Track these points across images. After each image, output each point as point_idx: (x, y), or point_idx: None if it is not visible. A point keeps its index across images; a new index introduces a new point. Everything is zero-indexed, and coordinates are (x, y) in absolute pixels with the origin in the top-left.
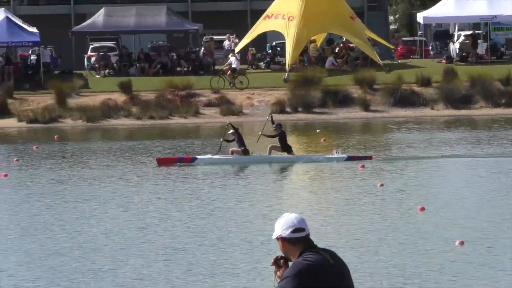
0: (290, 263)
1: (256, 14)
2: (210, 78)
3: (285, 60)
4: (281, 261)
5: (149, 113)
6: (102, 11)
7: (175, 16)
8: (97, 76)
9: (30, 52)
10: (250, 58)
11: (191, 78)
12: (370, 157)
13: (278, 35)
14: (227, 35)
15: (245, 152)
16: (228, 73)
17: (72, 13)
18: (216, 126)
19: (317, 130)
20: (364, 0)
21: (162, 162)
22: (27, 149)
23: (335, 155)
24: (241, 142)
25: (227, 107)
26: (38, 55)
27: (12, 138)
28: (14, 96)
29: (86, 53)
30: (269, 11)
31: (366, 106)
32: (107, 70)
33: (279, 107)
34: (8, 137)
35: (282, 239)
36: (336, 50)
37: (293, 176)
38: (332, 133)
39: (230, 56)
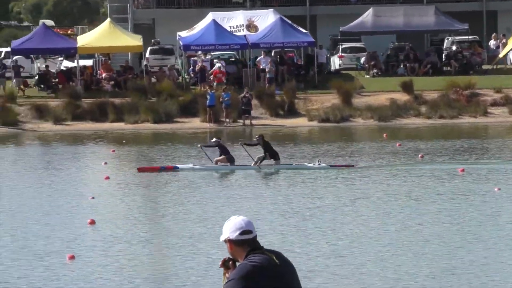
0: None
1: (491, 15)
2: None
3: None
4: (230, 262)
5: (439, 113)
6: (370, 11)
7: (443, 16)
8: (367, 76)
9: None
10: None
11: (472, 78)
12: (352, 166)
13: None
14: (493, 35)
15: (230, 159)
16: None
17: (307, 14)
18: (505, 125)
19: None
20: None
21: (143, 170)
22: (370, 147)
23: (317, 165)
24: (225, 151)
25: None
26: (307, 55)
27: (313, 137)
28: (297, 95)
29: (337, 53)
30: None
31: None
32: (375, 70)
33: None
34: (307, 136)
35: (230, 241)
36: None
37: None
38: None
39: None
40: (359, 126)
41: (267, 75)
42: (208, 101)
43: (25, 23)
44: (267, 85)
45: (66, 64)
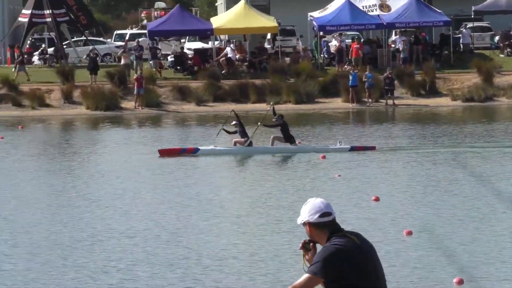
0: (317, 246)
1: None
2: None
3: None
4: (310, 244)
5: None
6: None
7: None
8: (501, 55)
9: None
10: None
11: None
12: (373, 147)
13: None
14: None
15: (249, 143)
16: (223, 62)
17: None
18: None
19: None
20: None
21: (165, 153)
22: None
23: (338, 146)
24: (244, 133)
25: None
26: (441, 35)
27: (473, 117)
28: (436, 75)
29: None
30: None
31: None
32: (509, 49)
33: None
34: (461, 116)
35: (309, 224)
36: None
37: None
38: None
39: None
40: (505, 106)
41: (401, 55)
42: (350, 81)
43: None
44: (401, 65)
45: (189, 46)
